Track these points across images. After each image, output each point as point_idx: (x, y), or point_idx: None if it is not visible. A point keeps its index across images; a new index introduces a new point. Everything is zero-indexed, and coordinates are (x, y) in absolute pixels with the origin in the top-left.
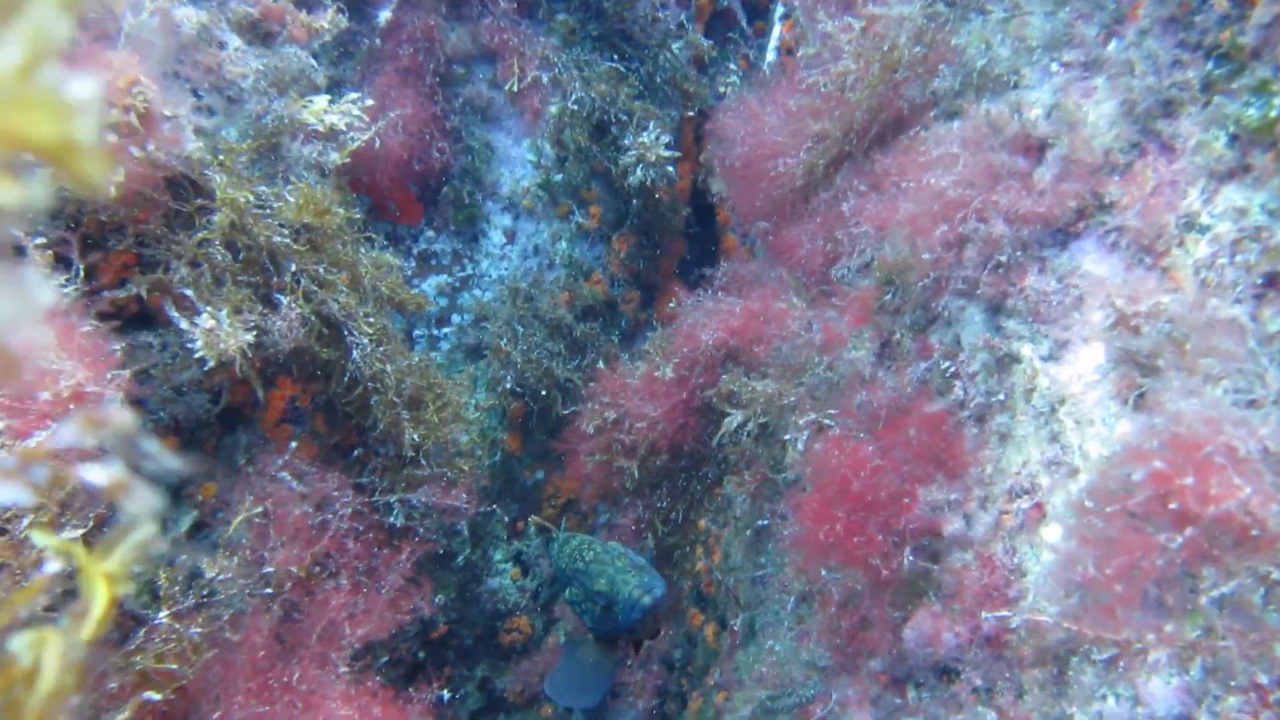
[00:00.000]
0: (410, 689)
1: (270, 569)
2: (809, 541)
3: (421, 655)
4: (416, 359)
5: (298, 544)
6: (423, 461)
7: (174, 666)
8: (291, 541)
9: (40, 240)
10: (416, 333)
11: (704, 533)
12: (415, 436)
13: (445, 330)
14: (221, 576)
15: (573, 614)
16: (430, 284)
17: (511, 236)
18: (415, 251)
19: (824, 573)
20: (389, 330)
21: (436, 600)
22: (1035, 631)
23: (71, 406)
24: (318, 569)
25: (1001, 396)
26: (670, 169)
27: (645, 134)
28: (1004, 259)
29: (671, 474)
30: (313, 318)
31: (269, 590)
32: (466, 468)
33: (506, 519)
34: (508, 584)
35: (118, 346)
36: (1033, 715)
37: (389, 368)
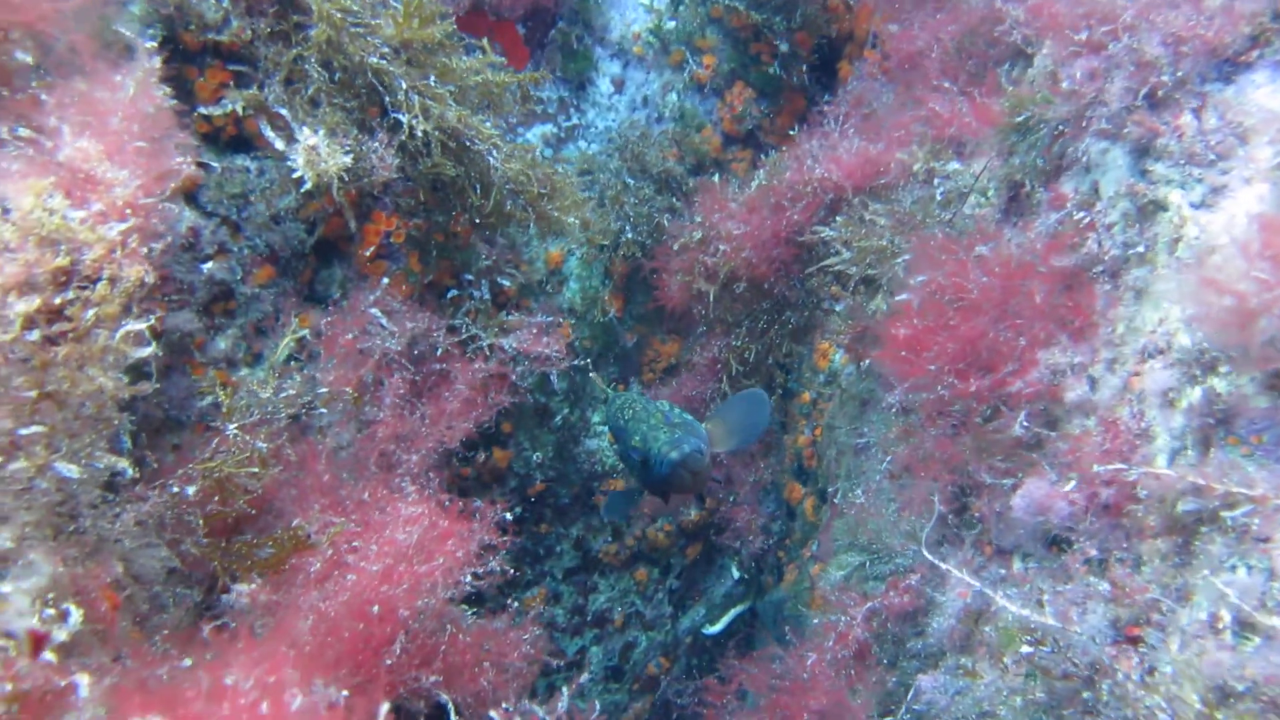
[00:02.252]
0: (477, 503)
1: (324, 389)
2: (888, 347)
3: (518, 510)
4: (531, 152)
5: (347, 365)
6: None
7: (255, 469)
8: (342, 363)
9: (151, 43)
10: None
11: (808, 405)
12: (573, 218)
13: None
14: (279, 395)
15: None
16: (535, 133)
17: (620, 86)
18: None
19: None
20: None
21: (535, 457)
22: (1162, 499)
23: (128, 213)
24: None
25: (1141, 248)
26: None
27: None
28: (1162, 80)
29: (754, 313)
30: (435, 133)
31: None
32: (603, 238)
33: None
34: (605, 445)
35: (219, 166)
36: (1150, 587)
37: (516, 165)
